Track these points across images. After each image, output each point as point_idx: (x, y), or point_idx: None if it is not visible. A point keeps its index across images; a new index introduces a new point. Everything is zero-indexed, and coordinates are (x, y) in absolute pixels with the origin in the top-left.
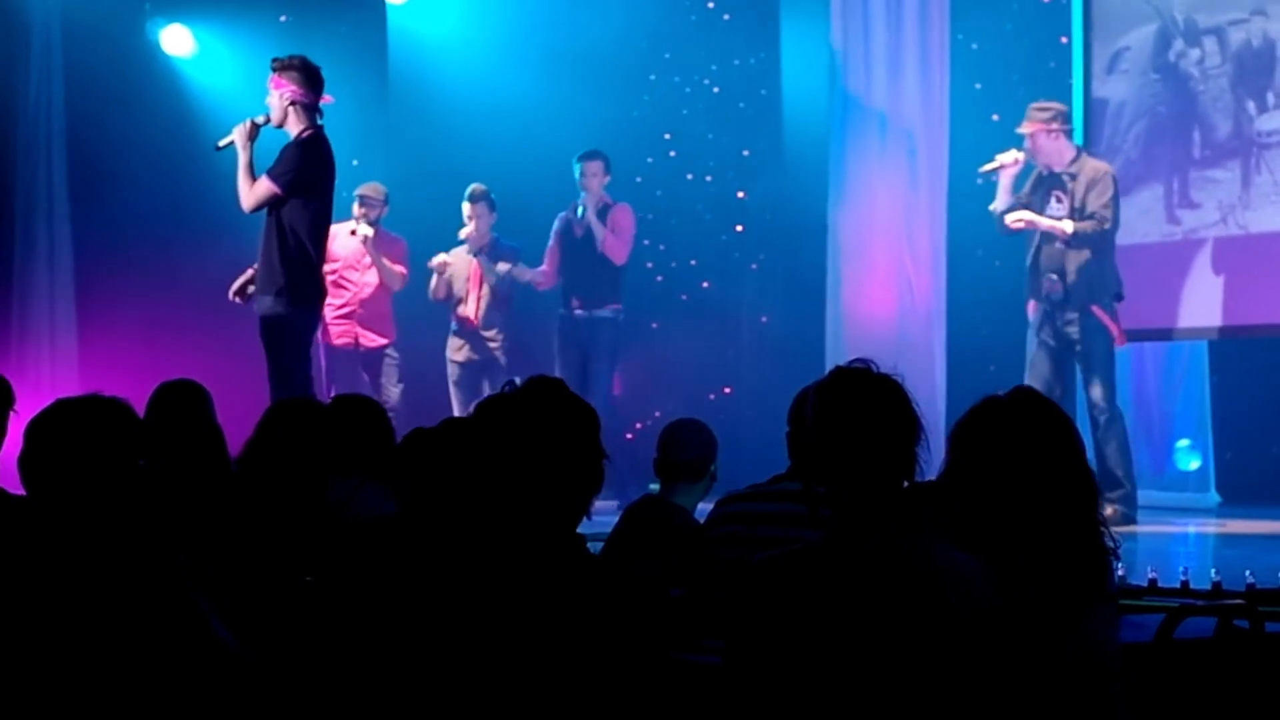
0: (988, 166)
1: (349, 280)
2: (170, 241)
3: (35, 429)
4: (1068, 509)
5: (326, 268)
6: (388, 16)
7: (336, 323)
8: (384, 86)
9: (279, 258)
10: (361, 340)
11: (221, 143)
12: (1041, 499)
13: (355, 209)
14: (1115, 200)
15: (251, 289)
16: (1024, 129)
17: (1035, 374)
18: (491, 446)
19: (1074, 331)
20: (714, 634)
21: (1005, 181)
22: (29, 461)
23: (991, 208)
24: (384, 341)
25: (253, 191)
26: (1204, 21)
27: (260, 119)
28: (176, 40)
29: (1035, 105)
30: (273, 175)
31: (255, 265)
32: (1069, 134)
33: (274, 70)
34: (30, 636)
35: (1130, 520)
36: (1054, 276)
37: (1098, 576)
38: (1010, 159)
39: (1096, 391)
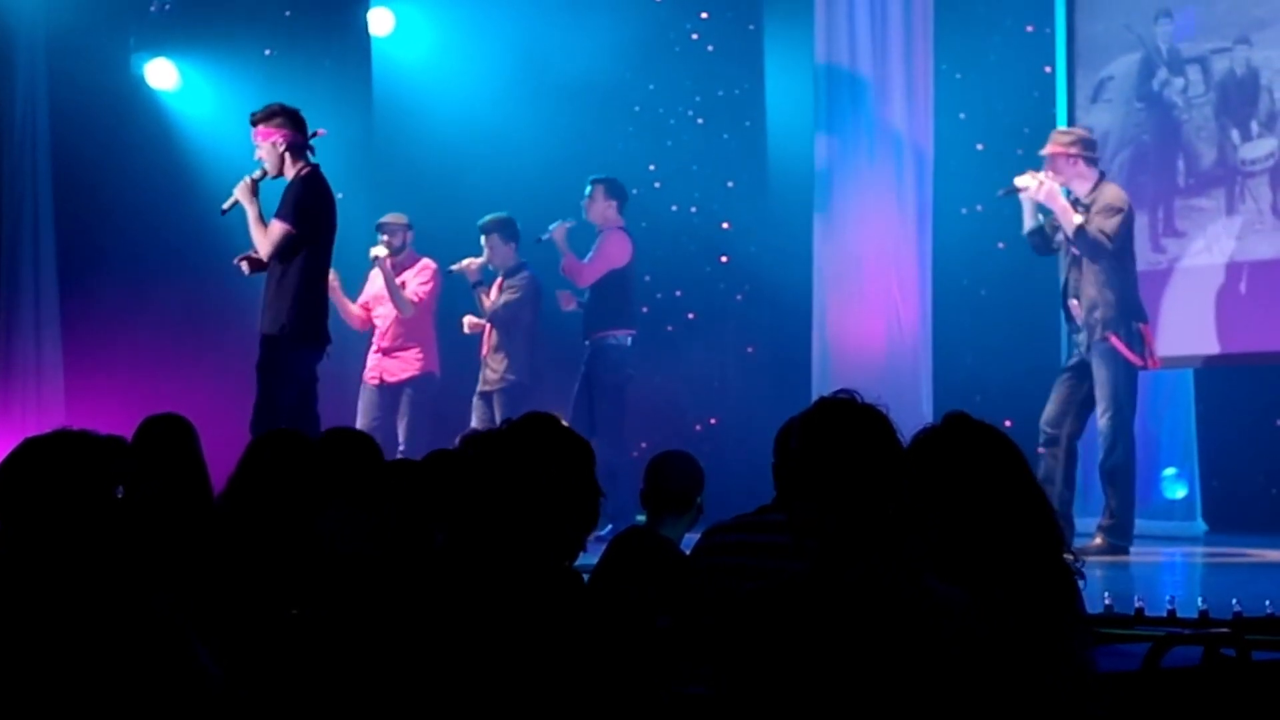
0: (1005, 190)
1: (376, 315)
2: (156, 274)
3: (4, 470)
4: (1019, 532)
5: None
6: (372, 48)
7: (370, 358)
8: (369, 118)
9: (278, 293)
10: (385, 375)
11: (226, 205)
12: (990, 523)
13: (380, 238)
14: (1125, 225)
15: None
16: (1045, 150)
17: (1059, 387)
18: (484, 483)
19: (1090, 358)
20: (701, 665)
21: (1029, 204)
22: (1, 504)
23: (1024, 232)
24: (408, 375)
25: (268, 237)
26: (1187, 50)
27: (257, 174)
28: (161, 74)
29: (1059, 129)
30: (282, 216)
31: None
32: (1090, 161)
33: (255, 124)
34: (11, 677)
35: (1121, 550)
36: (1075, 301)
37: (1066, 599)
38: (1025, 181)
39: (1105, 420)
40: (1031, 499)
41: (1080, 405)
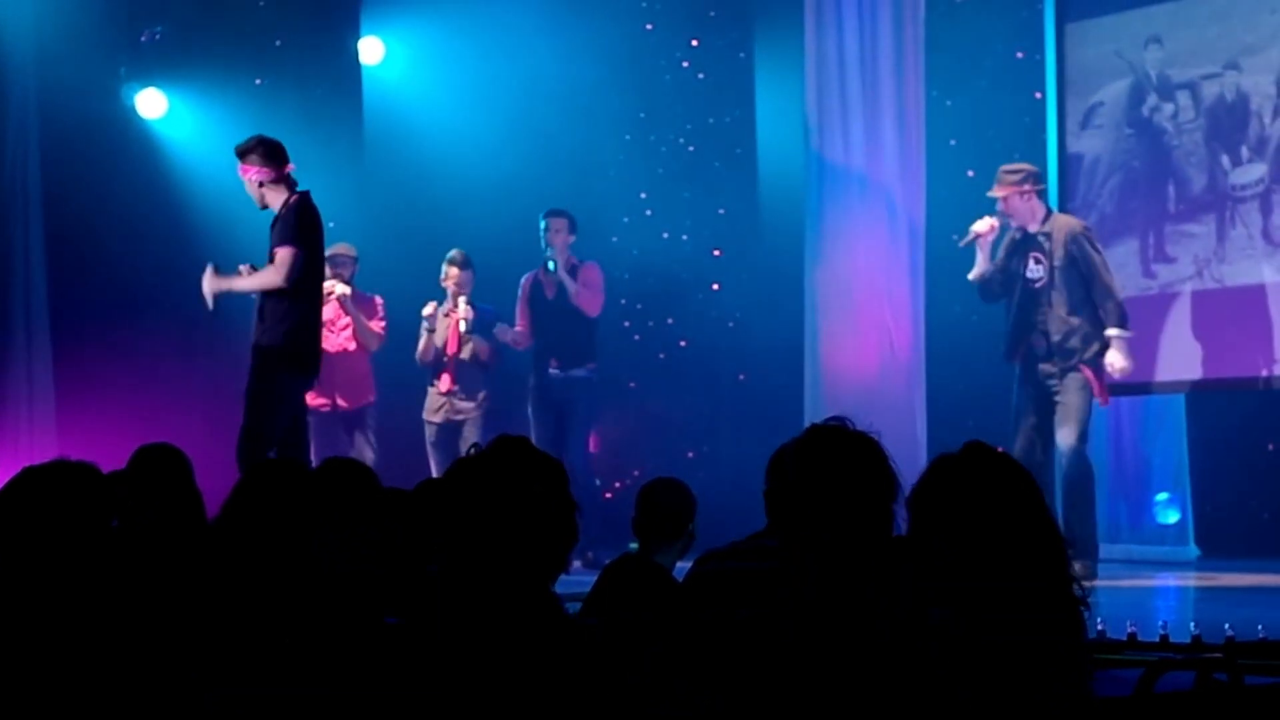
0: (966, 240)
1: (325, 342)
2: (148, 304)
3: (3, 499)
4: (1032, 561)
5: None
6: (362, 76)
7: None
8: (359, 147)
9: (274, 319)
10: (339, 401)
11: (210, 304)
12: (1004, 553)
13: (327, 270)
14: (1099, 252)
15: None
16: (997, 193)
17: (1023, 427)
18: (463, 508)
19: (1054, 385)
20: (692, 691)
21: (983, 249)
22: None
23: (970, 276)
24: (362, 402)
25: (279, 266)
26: (1177, 76)
27: (210, 269)
28: (152, 104)
29: (1005, 168)
30: (285, 242)
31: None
32: (1041, 194)
33: (239, 158)
34: (8, 704)
35: (1089, 575)
36: (1040, 331)
37: (1070, 628)
38: (985, 227)
39: (1068, 446)
40: (1045, 529)
41: (1047, 436)
